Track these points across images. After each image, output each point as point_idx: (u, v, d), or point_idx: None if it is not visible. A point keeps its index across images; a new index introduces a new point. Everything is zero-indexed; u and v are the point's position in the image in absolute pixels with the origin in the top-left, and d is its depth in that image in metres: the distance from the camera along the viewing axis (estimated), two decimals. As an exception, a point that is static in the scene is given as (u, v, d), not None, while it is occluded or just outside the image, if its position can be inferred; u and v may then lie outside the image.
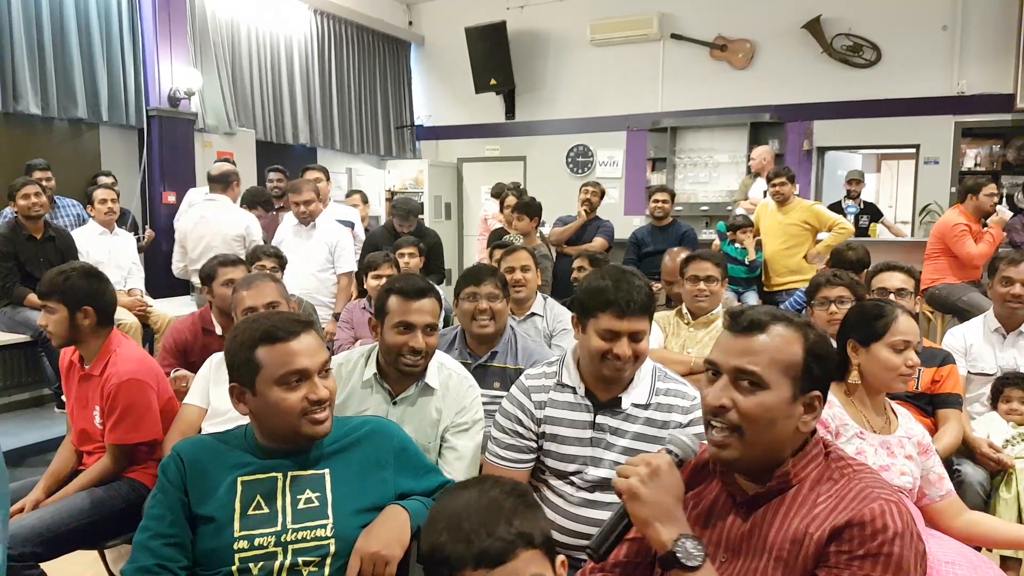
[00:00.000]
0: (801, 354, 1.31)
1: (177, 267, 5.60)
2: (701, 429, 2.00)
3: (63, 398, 4.62)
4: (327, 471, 1.61)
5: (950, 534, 2.00)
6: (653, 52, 8.99)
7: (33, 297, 4.62)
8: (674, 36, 8.81)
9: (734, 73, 8.63)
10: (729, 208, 7.67)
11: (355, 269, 4.98)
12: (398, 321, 2.19)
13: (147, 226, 6.63)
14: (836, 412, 2.03)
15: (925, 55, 7.73)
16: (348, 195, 7.18)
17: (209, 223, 5.28)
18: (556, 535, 2.01)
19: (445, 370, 2.34)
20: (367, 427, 1.72)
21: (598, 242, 5.89)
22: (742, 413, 1.28)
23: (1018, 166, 7.60)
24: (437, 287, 4.65)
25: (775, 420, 1.29)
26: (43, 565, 2.29)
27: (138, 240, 5.94)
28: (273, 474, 1.58)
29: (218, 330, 3.19)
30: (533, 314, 3.62)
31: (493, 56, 9.35)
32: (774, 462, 1.32)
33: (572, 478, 2.02)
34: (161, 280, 6.29)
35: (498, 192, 7.85)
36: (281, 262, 3.91)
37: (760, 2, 8.40)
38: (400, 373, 2.24)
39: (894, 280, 2.96)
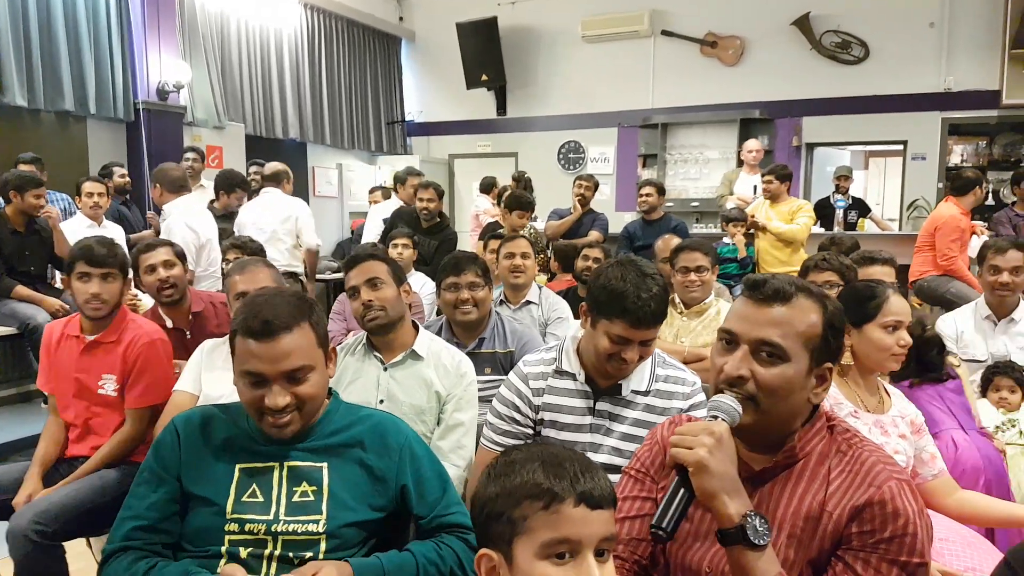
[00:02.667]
0: (820, 326, 1.29)
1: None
2: (702, 413, 2.03)
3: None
4: (325, 465, 1.55)
5: (942, 512, 2.02)
6: (644, 48, 9.01)
7: (21, 289, 4.58)
8: (665, 33, 8.84)
9: (724, 70, 8.66)
10: (719, 205, 7.71)
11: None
12: (349, 287, 2.42)
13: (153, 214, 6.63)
14: (830, 391, 2.03)
15: (913, 52, 7.79)
16: (371, 191, 7.14)
17: (265, 212, 5.54)
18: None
19: (436, 343, 2.46)
20: (373, 421, 1.65)
21: (593, 235, 5.90)
22: (761, 385, 1.25)
23: (1004, 162, 7.66)
24: (431, 280, 4.69)
25: (792, 392, 1.26)
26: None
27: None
28: (271, 463, 1.54)
29: (168, 323, 3.13)
30: (529, 302, 3.63)
31: (484, 52, 9.35)
32: (784, 433, 1.30)
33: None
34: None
35: (487, 186, 7.87)
36: (248, 250, 3.88)
37: (750, -1, 8.45)
38: (374, 335, 2.40)
39: (878, 275, 2.97)
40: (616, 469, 1.94)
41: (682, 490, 1.18)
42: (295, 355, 1.49)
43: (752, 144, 7.36)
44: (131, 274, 2.81)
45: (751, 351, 1.27)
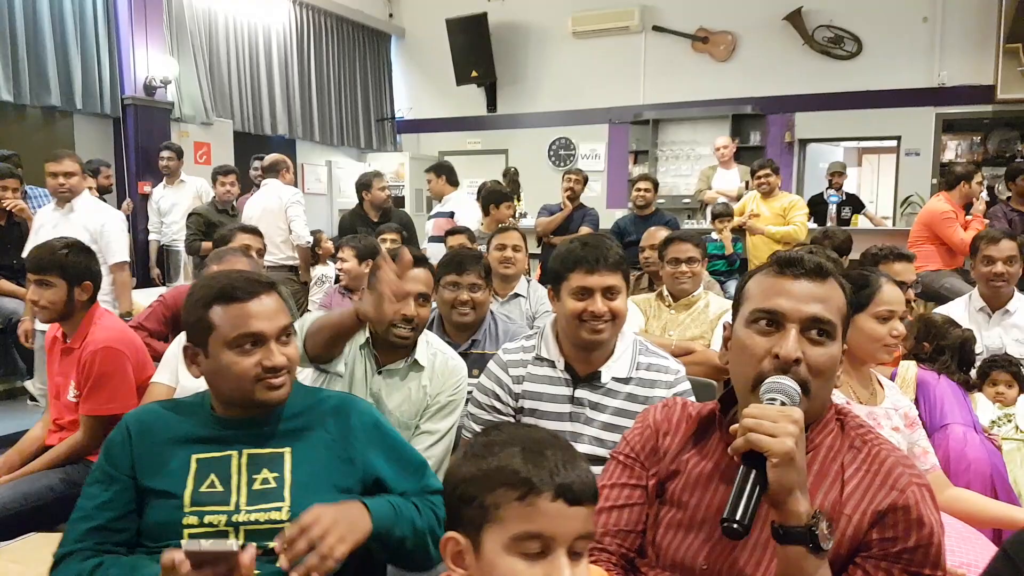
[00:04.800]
0: (847, 303, 1.24)
1: None
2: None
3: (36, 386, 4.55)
4: (288, 450, 1.50)
5: (935, 507, 1.97)
6: (635, 44, 8.96)
7: (3, 283, 4.51)
8: (655, 28, 8.79)
9: (716, 65, 8.61)
10: (698, 201, 7.71)
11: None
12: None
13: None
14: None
15: (906, 47, 7.75)
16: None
17: (261, 202, 5.63)
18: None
19: (432, 348, 2.31)
20: (336, 402, 1.60)
21: (584, 231, 5.85)
22: (814, 367, 1.16)
23: (999, 158, 7.63)
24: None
25: (835, 372, 1.20)
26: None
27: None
28: (229, 452, 1.48)
29: None
30: (517, 295, 3.59)
31: (474, 48, 9.29)
32: (815, 422, 1.21)
33: (552, 453, 1.96)
34: (136, 270, 6.20)
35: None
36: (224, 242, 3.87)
37: (741, -6, 8.40)
38: (391, 345, 2.22)
39: (909, 273, 2.92)
40: (598, 460, 1.88)
41: (752, 478, 1.06)
42: (283, 313, 1.51)
43: (721, 141, 7.34)
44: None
45: (800, 331, 1.18)
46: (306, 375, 2.24)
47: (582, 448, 1.93)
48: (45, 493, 2.36)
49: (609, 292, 1.90)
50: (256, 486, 1.46)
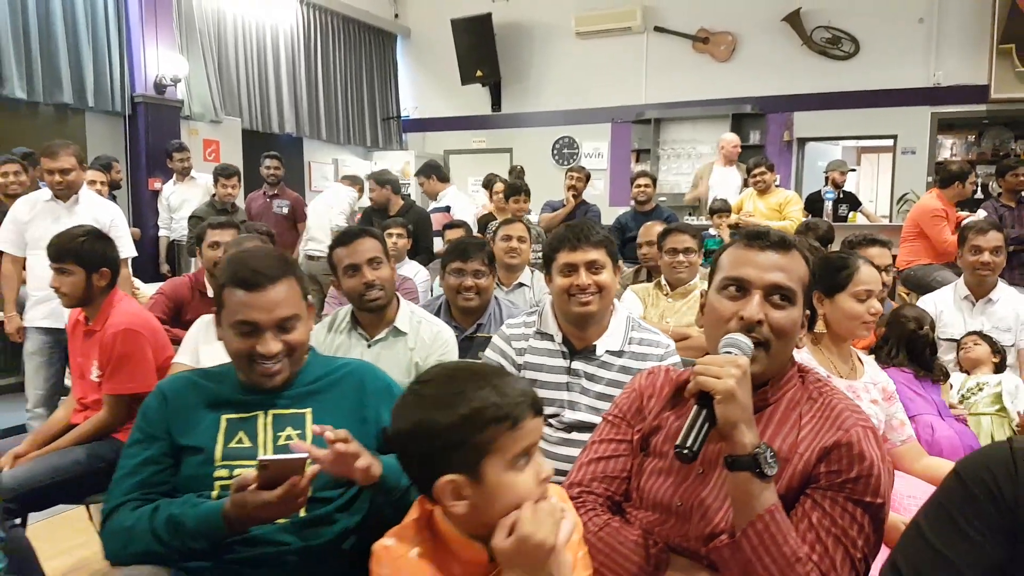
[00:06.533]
0: (808, 272, 1.41)
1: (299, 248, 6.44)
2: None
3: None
4: (308, 411, 1.63)
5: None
6: (637, 44, 9.10)
7: None
8: (657, 29, 8.93)
9: (716, 65, 8.75)
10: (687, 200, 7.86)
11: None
12: (346, 266, 2.41)
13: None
14: (804, 357, 2.11)
15: (902, 47, 7.87)
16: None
17: (323, 200, 6.50)
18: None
19: (416, 317, 2.51)
20: (350, 368, 1.73)
21: (587, 228, 5.97)
22: (775, 328, 1.33)
23: (993, 156, 7.74)
24: (424, 267, 4.73)
25: (795, 334, 1.37)
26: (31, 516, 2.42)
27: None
28: (255, 412, 1.61)
29: (210, 292, 3.33)
30: (521, 284, 3.73)
31: (479, 48, 9.43)
32: (778, 378, 1.39)
33: (551, 420, 2.11)
34: (147, 265, 6.35)
35: (488, 182, 7.95)
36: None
37: (741, -5, 8.52)
38: (370, 313, 2.43)
39: (885, 257, 3.06)
40: (594, 426, 2.03)
41: (702, 415, 1.23)
42: (285, 304, 1.58)
43: (731, 138, 7.40)
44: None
45: (764, 296, 1.35)
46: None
47: (579, 416, 2.07)
48: (72, 467, 2.48)
49: (593, 266, 2.07)
50: (281, 442, 1.59)
